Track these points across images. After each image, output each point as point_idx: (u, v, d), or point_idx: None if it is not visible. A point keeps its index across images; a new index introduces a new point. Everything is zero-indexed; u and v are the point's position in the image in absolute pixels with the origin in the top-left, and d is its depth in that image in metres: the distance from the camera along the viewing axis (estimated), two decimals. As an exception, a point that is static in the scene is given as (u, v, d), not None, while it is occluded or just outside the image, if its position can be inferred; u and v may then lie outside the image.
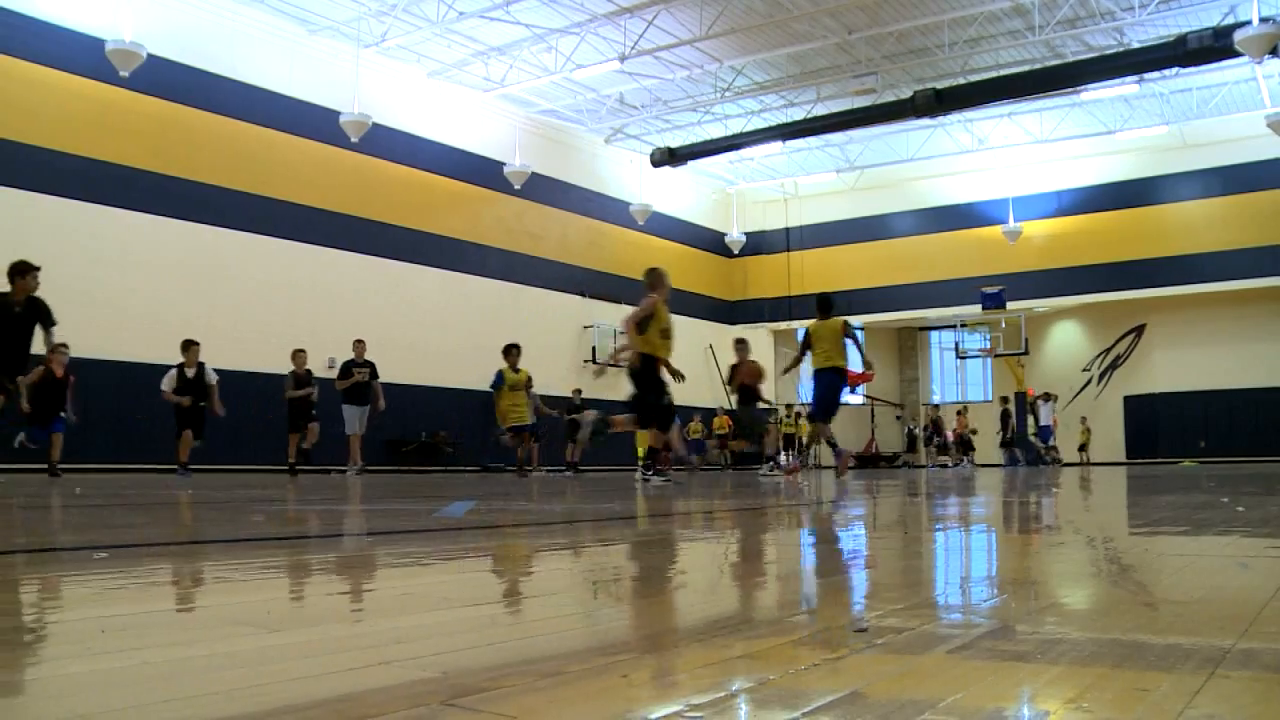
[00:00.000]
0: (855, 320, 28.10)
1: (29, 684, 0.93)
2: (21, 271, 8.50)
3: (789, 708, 0.85)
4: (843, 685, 0.93)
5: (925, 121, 21.90)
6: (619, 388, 23.96)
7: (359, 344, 14.18)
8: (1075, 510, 4.40)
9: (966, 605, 1.56)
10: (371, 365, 14.27)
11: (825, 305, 10.80)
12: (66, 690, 0.91)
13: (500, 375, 14.02)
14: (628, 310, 9.74)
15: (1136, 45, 18.47)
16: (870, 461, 25.14)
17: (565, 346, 22.32)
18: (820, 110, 21.89)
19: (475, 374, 20.02)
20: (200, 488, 7.19)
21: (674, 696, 0.90)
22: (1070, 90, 20.26)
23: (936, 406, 28.40)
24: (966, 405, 26.59)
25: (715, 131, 23.39)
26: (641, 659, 1.06)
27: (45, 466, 10.95)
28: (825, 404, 10.96)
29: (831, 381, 10.73)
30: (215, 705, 0.86)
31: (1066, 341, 26.93)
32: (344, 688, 0.95)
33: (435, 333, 18.81)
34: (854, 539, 3.17)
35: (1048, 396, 24.42)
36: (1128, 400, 25.40)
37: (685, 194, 26.70)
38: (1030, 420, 25.11)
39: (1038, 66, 19.49)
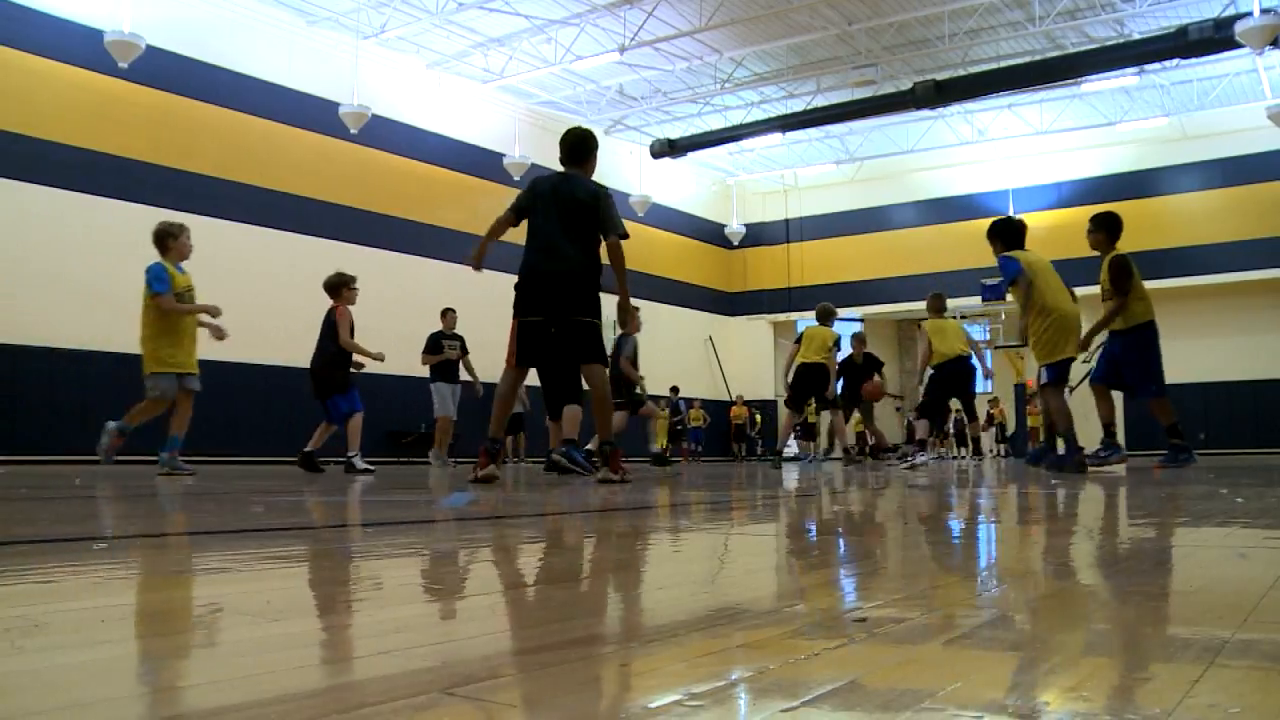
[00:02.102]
0: (855, 311, 28.21)
1: (29, 673, 0.94)
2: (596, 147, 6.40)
3: (788, 696, 0.85)
4: (842, 674, 0.94)
5: (925, 113, 21.91)
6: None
7: (449, 314, 12.72)
8: (1074, 502, 4.41)
9: (965, 595, 1.57)
10: (461, 339, 12.73)
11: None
12: (66, 679, 0.92)
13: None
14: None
15: (1137, 36, 18.45)
16: (870, 453, 25.13)
17: (565, 338, 22.29)
18: (820, 102, 21.88)
19: (475, 365, 20.03)
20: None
21: (673, 685, 0.90)
22: (1070, 82, 20.24)
23: None
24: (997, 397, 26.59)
25: (715, 123, 23.38)
26: (641, 648, 1.07)
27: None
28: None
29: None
30: (213, 694, 0.87)
31: (1066, 333, 26.92)
32: (343, 676, 0.95)
33: (434, 324, 18.78)
34: (853, 529, 3.18)
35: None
36: (1127, 392, 25.35)
37: (685, 185, 26.69)
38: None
39: (1038, 58, 19.49)
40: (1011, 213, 24.79)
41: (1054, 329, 7.60)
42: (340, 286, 9.64)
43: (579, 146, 6.22)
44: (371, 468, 9.37)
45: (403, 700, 0.83)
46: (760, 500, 4.90)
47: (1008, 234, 8.33)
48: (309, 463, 9.30)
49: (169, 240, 8.01)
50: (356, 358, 9.46)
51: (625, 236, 6.04)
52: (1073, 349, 7.67)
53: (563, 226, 5.92)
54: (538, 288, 5.94)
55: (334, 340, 9.35)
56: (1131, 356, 8.00)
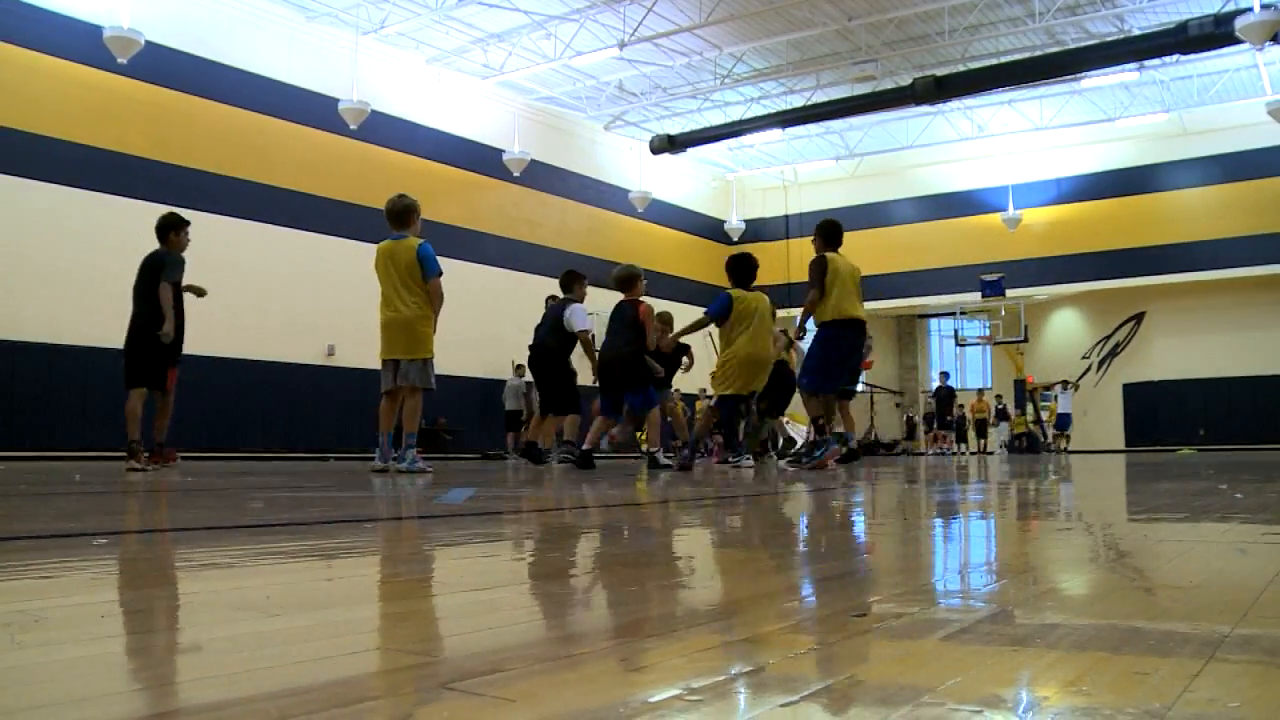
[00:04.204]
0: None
1: (28, 669, 0.94)
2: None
3: (788, 691, 0.85)
4: (841, 670, 0.94)
5: (925, 109, 21.89)
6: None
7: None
8: (1074, 497, 4.41)
9: (964, 590, 1.57)
10: None
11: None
12: (65, 674, 0.92)
13: None
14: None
15: (1137, 32, 18.43)
16: (869, 450, 25.15)
17: (564, 334, 22.29)
18: (820, 97, 21.86)
19: (474, 362, 20.05)
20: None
21: (673, 680, 0.90)
22: (1070, 77, 20.21)
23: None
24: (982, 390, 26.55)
25: (715, 118, 23.34)
26: (640, 643, 1.07)
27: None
28: None
29: None
30: (214, 689, 0.87)
31: (1066, 329, 26.94)
32: (344, 671, 0.95)
33: (439, 322, 18.79)
34: (852, 524, 3.18)
35: (1066, 384, 24.52)
36: (1127, 388, 25.42)
37: (685, 181, 26.66)
38: (1030, 407, 25.19)
39: (1038, 53, 19.46)
40: (1011, 208, 24.82)
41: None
42: (633, 279, 9.26)
43: (164, 226, 8.13)
44: (669, 462, 8.88)
45: (404, 695, 0.83)
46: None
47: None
48: (588, 460, 8.78)
49: (415, 216, 7.25)
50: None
51: (176, 283, 7.75)
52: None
53: (143, 285, 7.73)
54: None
55: (633, 337, 8.92)
56: (812, 349, 8.71)
